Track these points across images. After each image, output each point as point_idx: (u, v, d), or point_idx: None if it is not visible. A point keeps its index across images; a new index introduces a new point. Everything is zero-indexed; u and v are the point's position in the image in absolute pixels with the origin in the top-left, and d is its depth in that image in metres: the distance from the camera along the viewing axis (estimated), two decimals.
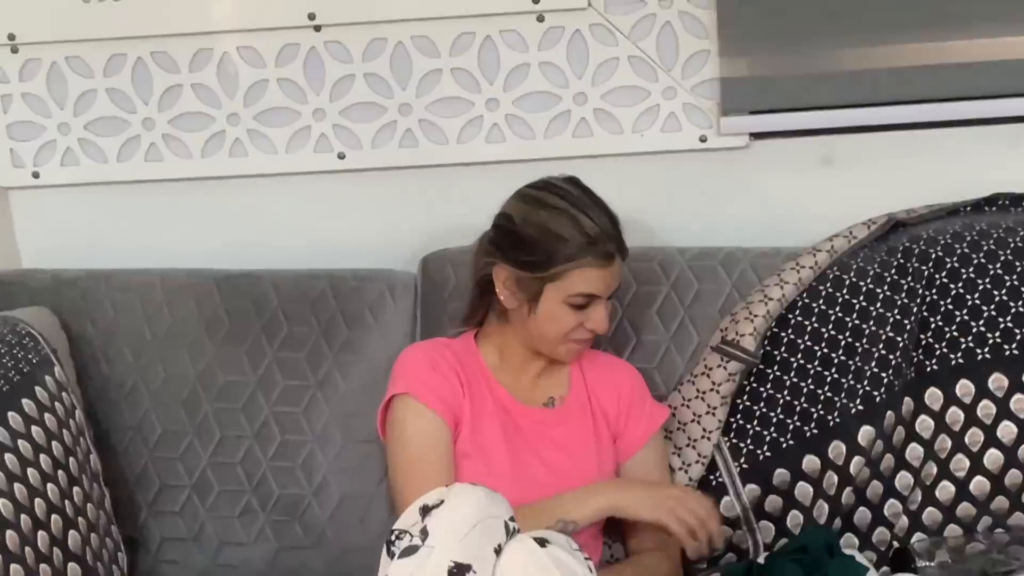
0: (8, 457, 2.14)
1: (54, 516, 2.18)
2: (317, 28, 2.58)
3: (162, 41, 2.62)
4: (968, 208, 2.48)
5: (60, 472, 2.25)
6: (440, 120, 2.62)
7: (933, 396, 2.33)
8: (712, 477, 2.36)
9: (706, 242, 2.55)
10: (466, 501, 1.81)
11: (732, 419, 2.36)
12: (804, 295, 2.39)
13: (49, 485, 2.20)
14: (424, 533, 1.78)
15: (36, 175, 2.73)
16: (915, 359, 2.34)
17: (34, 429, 2.23)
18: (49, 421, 2.28)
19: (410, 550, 1.78)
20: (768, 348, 2.38)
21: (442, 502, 1.82)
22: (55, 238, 2.78)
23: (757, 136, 2.59)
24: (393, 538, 1.84)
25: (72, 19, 2.61)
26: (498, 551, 1.79)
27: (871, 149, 2.58)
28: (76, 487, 2.28)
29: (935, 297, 2.35)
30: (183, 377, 2.52)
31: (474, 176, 2.63)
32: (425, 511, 1.83)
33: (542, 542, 1.81)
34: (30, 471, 2.17)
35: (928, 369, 2.33)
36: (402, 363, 2.23)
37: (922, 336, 2.34)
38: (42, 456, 2.22)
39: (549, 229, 2.13)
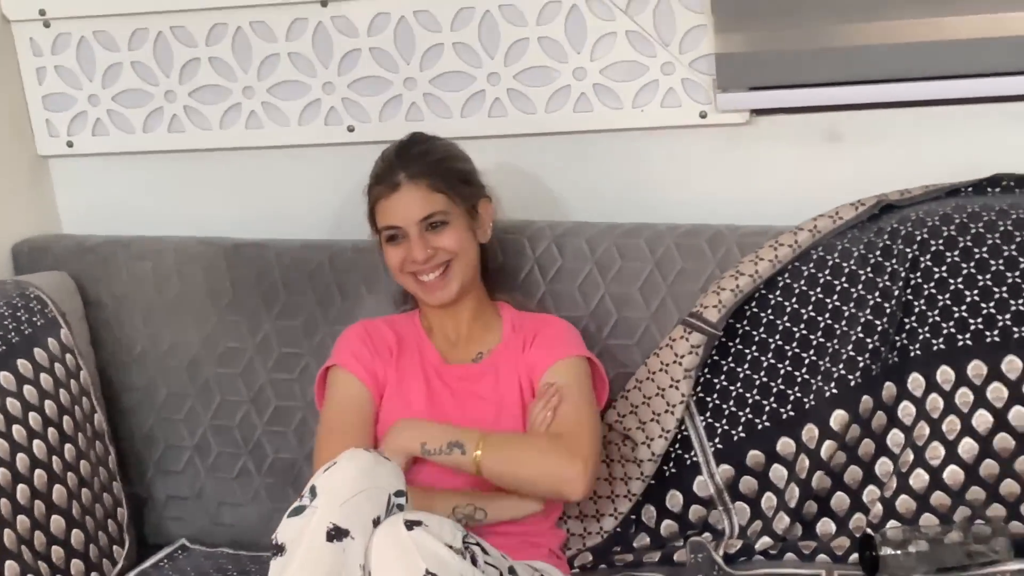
0: None
1: (38, 471, 2.29)
2: (324, 3, 2.62)
3: (181, 16, 2.70)
4: (970, 188, 2.39)
5: (51, 429, 2.36)
6: (444, 94, 2.63)
7: (915, 382, 2.26)
8: (687, 456, 2.36)
9: (705, 219, 2.52)
10: (355, 465, 1.86)
11: (709, 399, 2.35)
12: (785, 275, 2.35)
13: (36, 441, 2.31)
14: (312, 492, 1.84)
15: (70, 144, 2.85)
16: (898, 343, 2.28)
17: (26, 388, 2.35)
18: (44, 381, 2.39)
19: (298, 509, 1.84)
20: (747, 328, 2.35)
21: (336, 464, 1.87)
22: (90, 205, 2.90)
23: (761, 112, 2.54)
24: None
25: None
26: (376, 523, 1.83)
27: (877, 126, 2.50)
28: (68, 444, 2.39)
29: (919, 280, 2.27)
30: (188, 342, 2.62)
31: (478, 149, 2.64)
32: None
33: (411, 525, 1.81)
34: (15, 428, 2.28)
35: (911, 354, 2.27)
36: (339, 339, 2.37)
37: (905, 320, 2.28)
38: (31, 414, 2.33)
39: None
